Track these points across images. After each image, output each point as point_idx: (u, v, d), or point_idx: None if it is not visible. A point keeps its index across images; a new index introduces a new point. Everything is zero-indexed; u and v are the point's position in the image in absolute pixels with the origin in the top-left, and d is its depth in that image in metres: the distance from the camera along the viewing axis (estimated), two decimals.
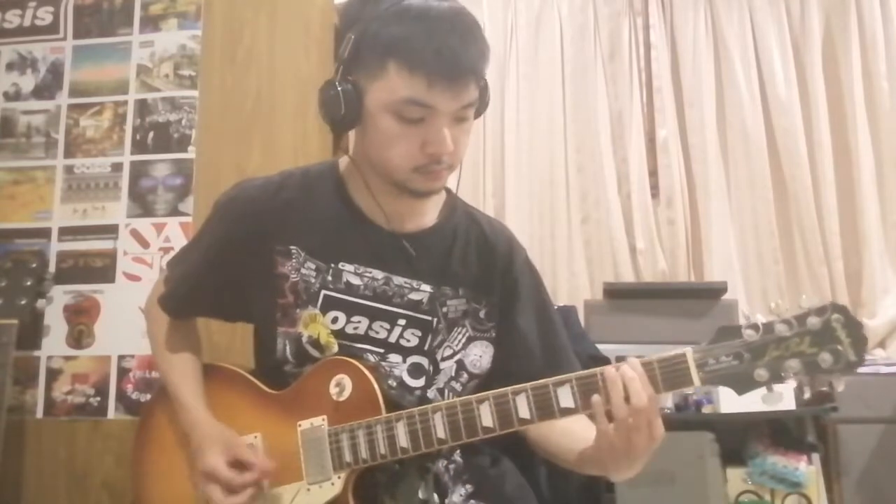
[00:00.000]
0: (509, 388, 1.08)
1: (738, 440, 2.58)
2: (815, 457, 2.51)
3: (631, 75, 3.36)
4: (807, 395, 0.97)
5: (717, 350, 1.00)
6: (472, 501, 1.25)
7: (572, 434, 1.19)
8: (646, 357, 1.03)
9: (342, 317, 1.22)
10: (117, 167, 2.08)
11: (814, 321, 0.96)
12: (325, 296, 1.22)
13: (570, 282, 3.22)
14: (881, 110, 3.19)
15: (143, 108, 2.09)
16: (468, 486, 1.26)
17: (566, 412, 1.05)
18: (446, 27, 1.08)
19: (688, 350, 1.01)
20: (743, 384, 0.99)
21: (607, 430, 1.03)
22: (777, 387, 0.98)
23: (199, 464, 1.18)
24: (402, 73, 1.09)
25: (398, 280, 1.24)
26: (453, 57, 1.07)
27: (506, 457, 1.36)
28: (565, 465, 1.22)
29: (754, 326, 0.99)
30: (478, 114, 1.20)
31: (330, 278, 1.22)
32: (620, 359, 2.53)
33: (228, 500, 1.14)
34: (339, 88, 1.14)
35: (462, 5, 1.15)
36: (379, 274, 1.23)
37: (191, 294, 1.33)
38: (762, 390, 0.99)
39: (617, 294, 2.90)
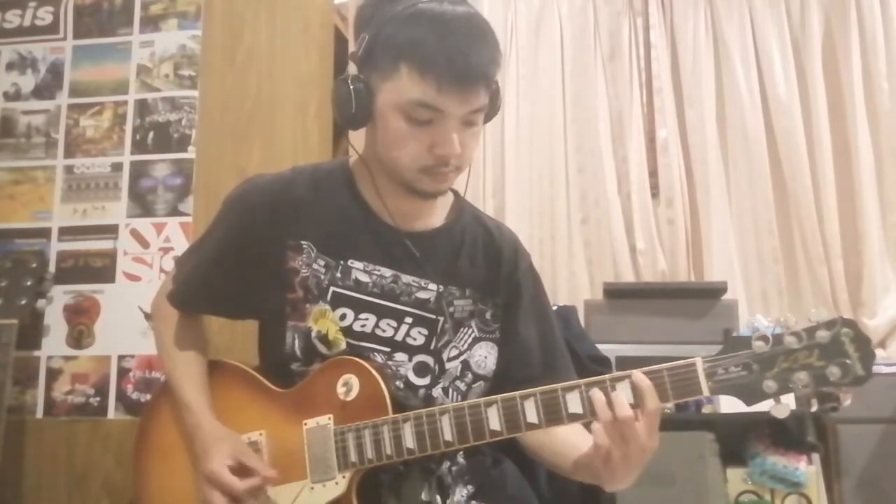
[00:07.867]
0: (517, 392, 1.08)
1: (738, 440, 2.58)
2: (815, 457, 2.51)
3: (631, 75, 3.36)
4: (813, 408, 0.96)
5: (727, 360, 1.00)
6: (473, 502, 1.25)
7: (568, 441, 1.19)
8: (654, 367, 1.03)
9: (350, 314, 1.22)
10: (117, 167, 2.07)
11: (823, 334, 0.97)
12: (333, 292, 1.22)
13: (570, 282, 3.22)
14: (881, 110, 3.19)
15: (143, 108, 2.09)
16: (469, 487, 1.26)
17: (574, 418, 1.05)
18: (460, 32, 1.09)
19: (697, 359, 1.01)
20: (751, 395, 0.99)
21: (612, 434, 1.02)
22: (784, 398, 0.98)
23: (202, 467, 1.17)
24: (413, 75, 1.10)
25: (406, 278, 1.24)
26: (464, 62, 1.08)
27: (507, 457, 1.36)
28: (560, 472, 1.23)
29: (764, 338, 0.99)
30: (487, 119, 1.21)
31: (339, 275, 1.23)
32: (621, 359, 2.52)
33: None
34: (351, 87, 1.15)
35: (476, 10, 1.15)
36: (387, 272, 1.24)
37: (201, 287, 1.33)
38: (770, 401, 0.99)
39: (617, 294, 2.89)
